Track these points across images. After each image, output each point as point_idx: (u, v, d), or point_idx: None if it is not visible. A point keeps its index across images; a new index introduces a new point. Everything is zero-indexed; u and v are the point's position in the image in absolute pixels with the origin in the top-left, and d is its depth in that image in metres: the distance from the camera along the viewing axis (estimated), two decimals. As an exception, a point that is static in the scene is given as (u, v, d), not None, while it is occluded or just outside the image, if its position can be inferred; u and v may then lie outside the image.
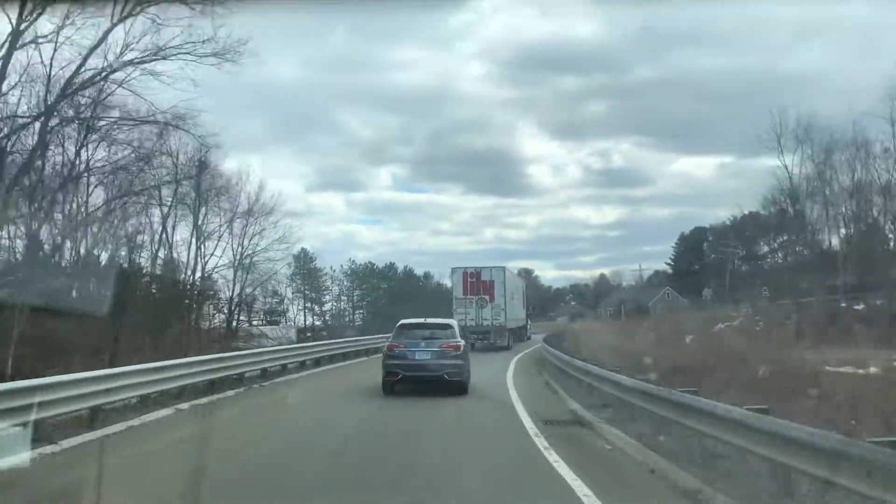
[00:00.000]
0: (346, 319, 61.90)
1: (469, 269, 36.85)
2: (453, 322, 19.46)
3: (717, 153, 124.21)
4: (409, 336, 16.75)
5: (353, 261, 65.70)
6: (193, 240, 32.63)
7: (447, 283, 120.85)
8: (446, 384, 15.95)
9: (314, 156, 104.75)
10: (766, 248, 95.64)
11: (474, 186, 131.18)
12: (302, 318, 60.46)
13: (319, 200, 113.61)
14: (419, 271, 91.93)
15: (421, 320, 18.01)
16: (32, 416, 8.71)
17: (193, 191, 31.40)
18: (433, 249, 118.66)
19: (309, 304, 61.42)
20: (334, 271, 62.72)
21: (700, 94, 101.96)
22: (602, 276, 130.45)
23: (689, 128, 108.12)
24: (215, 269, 35.66)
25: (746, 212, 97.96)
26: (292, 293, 59.08)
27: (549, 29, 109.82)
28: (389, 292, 68.74)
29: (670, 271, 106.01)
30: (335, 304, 63.36)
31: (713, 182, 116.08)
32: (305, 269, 58.26)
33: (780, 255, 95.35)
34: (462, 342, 17.10)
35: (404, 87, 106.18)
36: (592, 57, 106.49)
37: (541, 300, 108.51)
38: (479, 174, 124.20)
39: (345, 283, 63.79)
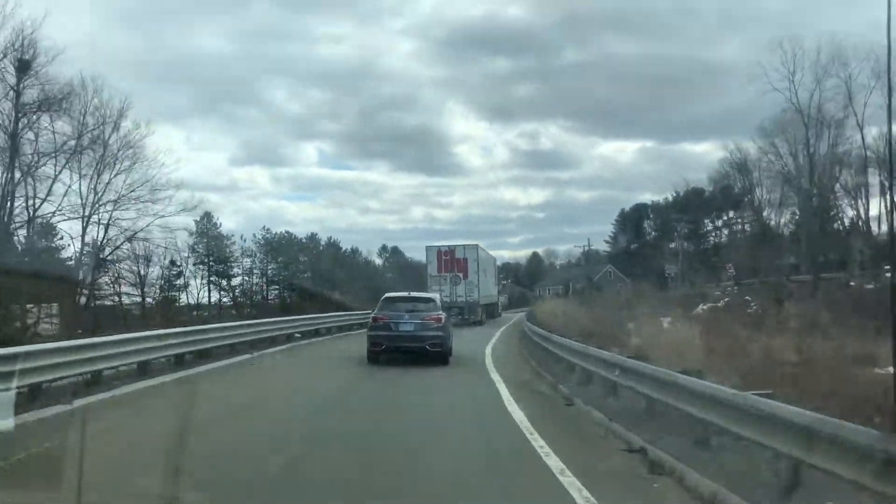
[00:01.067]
0: (259, 297, 53.18)
1: (443, 246, 37.01)
2: (436, 296, 19.98)
3: (639, 138, 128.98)
4: (393, 308, 17.07)
5: (268, 229, 56.76)
6: (11, 173, 23.41)
7: (377, 260, 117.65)
8: (428, 354, 16.45)
9: (238, 129, 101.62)
10: (710, 226, 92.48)
11: (403, 165, 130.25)
12: (206, 293, 51.51)
13: (244, 175, 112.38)
14: (346, 247, 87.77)
15: (405, 294, 19.07)
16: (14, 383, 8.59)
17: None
18: (362, 227, 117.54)
19: (215, 278, 52.47)
20: (245, 241, 53.83)
21: (624, 79, 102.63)
22: (535, 255, 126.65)
23: (613, 112, 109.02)
24: (55, 215, 26.56)
25: (690, 188, 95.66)
26: (193, 264, 50.10)
27: (480, 9, 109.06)
28: (311, 267, 60.20)
29: (609, 249, 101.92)
30: (247, 278, 54.44)
31: (634, 166, 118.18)
32: (207, 236, 49.25)
33: (727, 231, 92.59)
34: (443, 315, 17.39)
35: (332, 61, 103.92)
36: (522, 39, 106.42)
37: None
38: (407, 152, 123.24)
39: (258, 254, 54.87)
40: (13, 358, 9.15)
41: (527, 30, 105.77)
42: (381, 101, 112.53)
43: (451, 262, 36.05)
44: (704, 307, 32.05)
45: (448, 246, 37.17)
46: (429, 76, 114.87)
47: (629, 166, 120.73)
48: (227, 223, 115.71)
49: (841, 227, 63.41)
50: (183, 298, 50.94)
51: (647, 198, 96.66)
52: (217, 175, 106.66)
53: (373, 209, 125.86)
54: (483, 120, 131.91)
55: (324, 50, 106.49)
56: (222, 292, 53.19)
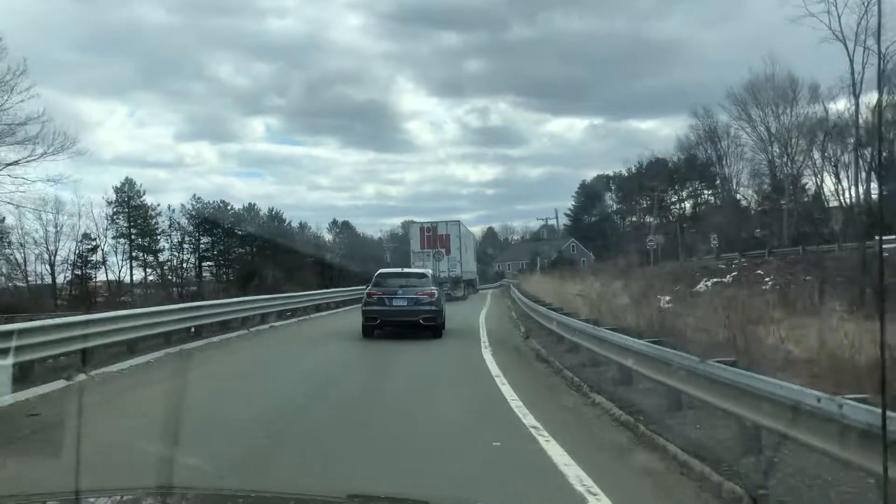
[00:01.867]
0: (187, 274, 46.56)
1: (425, 223, 37.06)
2: (428, 272, 19.99)
3: (588, 115, 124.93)
4: (387, 284, 17.21)
5: (199, 198, 49.90)
6: None
7: (326, 236, 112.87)
8: (422, 328, 16.64)
9: (183, 104, 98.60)
10: (675, 197, 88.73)
11: (353, 140, 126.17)
12: (128, 270, 44.73)
13: (191, 151, 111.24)
14: (293, 222, 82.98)
15: (398, 270, 20.28)
16: (10, 360, 8.77)
17: None
18: (312, 204, 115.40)
19: (138, 254, 45.66)
20: (173, 211, 47.01)
21: (571, 55, 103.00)
22: (490, 231, 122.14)
23: (563, 88, 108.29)
24: None
25: (653, 158, 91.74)
26: (113, 237, 43.25)
27: None
28: (249, 241, 53.66)
29: (568, 223, 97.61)
30: (176, 253, 47.69)
31: (583, 143, 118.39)
32: (129, 206, 42.43)
33: (691, 203, 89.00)
34: (436, 290, 17.64)
35: (278, 34, 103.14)
36: (472, 14, 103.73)
37: None
38: (357, 128, 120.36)
39: (188, 227, 48.07)
40: (9, 335, 9.17)
41: (476, 5, 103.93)
42: (330, 75, 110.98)
43: (434, 238, 35.82)
44: (708, 283, 27.09)
45: (430, 223, 37.22)
46: (377, 51, 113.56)
47: (579, 143, 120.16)
48: (174, 200, 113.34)
49: (821, 198, 59.78)
50: (102, 276, 44.29)
51: (595, 174, 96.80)
52: (162, 151, 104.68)
53: (323, 186, 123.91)
54: (433, 95, 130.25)
55: (270, 23, 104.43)
56: (148, 269, 46.51)
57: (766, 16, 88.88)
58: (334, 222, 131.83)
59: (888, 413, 2.92)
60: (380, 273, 18.30)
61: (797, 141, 64.41)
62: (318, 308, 27.60)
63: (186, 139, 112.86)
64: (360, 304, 17.73)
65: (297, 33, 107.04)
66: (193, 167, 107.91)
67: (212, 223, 48.92)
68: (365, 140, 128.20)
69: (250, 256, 51.69)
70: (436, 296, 17.26)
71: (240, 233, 52.89)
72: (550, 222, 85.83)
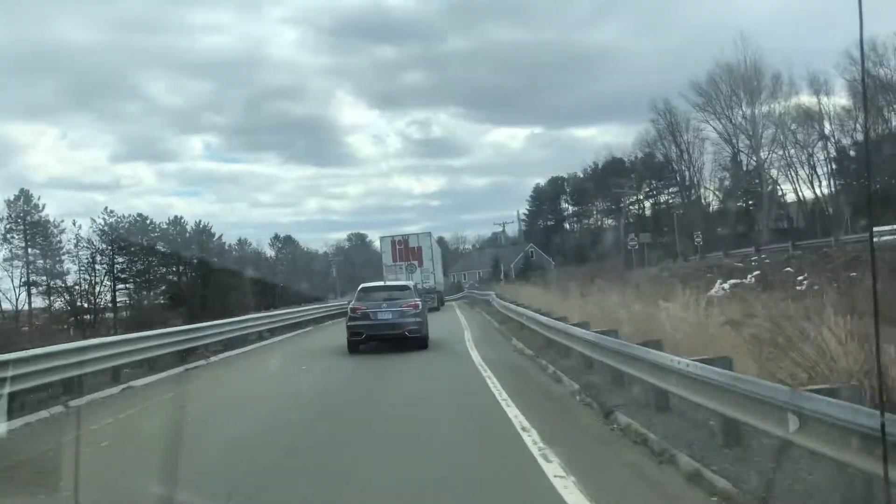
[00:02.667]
0: (99, 299, 39.57)
1: (397, 236, 36.81)
2: (411, 283, 19.76)
3: (529, 124, 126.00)
4: (371, 298, 17.09)
5: (112, 211, 42.88)
6: None
7: (268, 252, 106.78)
8: (408, 340, 16.45)
9: (117, 124, 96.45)
10: (640, 195, 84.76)
11: (293, 156, 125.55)
12: (26, 296, 37.57)
13: (128, 171, 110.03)
14: (233, 238, 77.35)
15: (381, 283, 20.06)
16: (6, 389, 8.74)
17: None
18: (255, 221, 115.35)
19: (40, 277, 38.54)
20: (79, 227, 39.97)
21: (509, 65, 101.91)
22: (441, 241, 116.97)
23: (502, 99, 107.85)
24: None
25: (610, 158, 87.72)
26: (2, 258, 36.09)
27: None
28: (175, 259, 46.77)
29: (523, 228, 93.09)
30: (87, 276, 40.59)
31: (525, 152, 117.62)
32: (24, 221, 35.40)
33: (650, 202, 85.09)
34: (420, 301, 17.54)
35: (213, 51, 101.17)
36: (408, 26, 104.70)
37: (379, 266, 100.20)
38: (298, 143, 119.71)
39: (99, 245, 41.06)
40: (4, 364, 9.19)
41: (411, 17, 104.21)
42: (268, 91, 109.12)
43: (406, 251, 35.77)
44: (725, 285, 22.09)
45: (402, 235, 37.16)
46: (315, 65, 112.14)
47: (521, 152, 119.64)
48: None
49: (798, 192, 56.29)
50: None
51: (538, 182, 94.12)
52: (98, 173, 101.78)
53: (265, 202, 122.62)
54: (374, 108, 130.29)
55: (204, 40, 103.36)
56: (52, 296, 39.40)
57: (698, 23, 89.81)
58: (276, 237, 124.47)
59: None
60: (362, 287, 18.04)
61: (762, 132, 61.25)
62: (260, 336, 22.05)
63: (122, 160, 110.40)
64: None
65: (233, 49, 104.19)
66: (131, 188, 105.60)
67: (127, 240, 41.97)
68: (306, 155, 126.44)
69: (176, 277, 44.94)
70: (420, 307, 17.14)
71: (163, 250, 46.01)
72: (509, 226, 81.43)
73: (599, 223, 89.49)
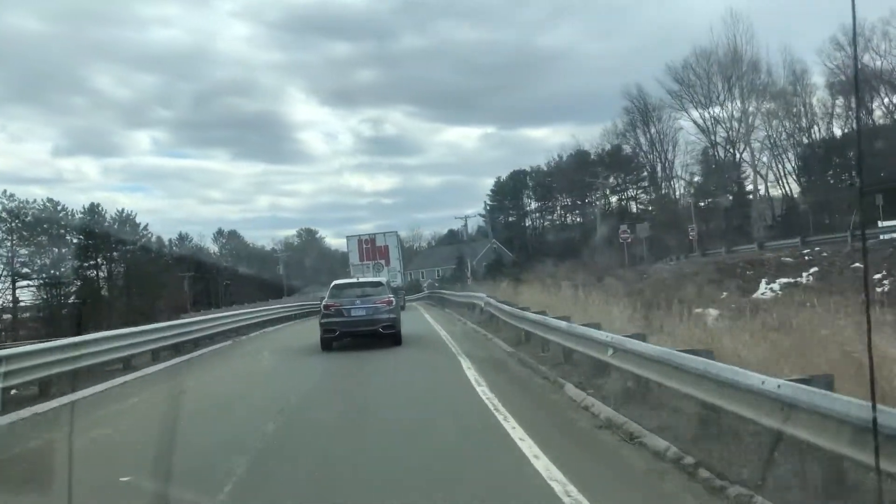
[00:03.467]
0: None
1: (363, 235, 38.20)
2: (384, 280, 19.95)
3: (481, 124, 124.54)
4: (344, 295, 16.94)
5: (12, 195, 35.89)
6: None
7: (212, 247, 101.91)
8: (381, 336, 16.25)
9: (61, 117, 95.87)
10: (597, 192, 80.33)
11: (244, 152, 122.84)
12: None
13: (70, 166, 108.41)
14: (174, 234, 73.56)
15: (354, 280, 19.97)
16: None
17: None
18: (204, 218, 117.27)
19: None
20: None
21: (463, 65, 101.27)
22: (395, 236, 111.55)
23: (455, 98, 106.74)
24: None
25: (576, 150, 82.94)
26: None
27: None
28: (92, 253, 39.97)
29: (483, 224, 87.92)
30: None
31: (478, 151, 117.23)
32: None
33: (616, 197, 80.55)
34: (393, 298, 17.37)
35: (161, 44, 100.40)
36: (361, 23, 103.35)
37: (330, 264, 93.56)
38: (248, 139, 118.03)
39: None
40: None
41: (365, 14, 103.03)
42: (218, 86, 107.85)
43: (373, 249, 35.76)
44: (774, 286, 17.22)
45: (368, 234, 37.26)
46: (266, 60, 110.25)
47: (474, 152, 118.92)
48: None
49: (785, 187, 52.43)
50: None
51: (491, 183, 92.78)
52: (39, 167, 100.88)
53: (214, 199, 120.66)
54: (326, 105, 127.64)
55: (152, 33, 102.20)
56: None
57: (650, 26, 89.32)
58: (220, 232, 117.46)
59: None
60: (335, 284, 17.96)
61: (741, 123, 57.35)
62: (196, 344, 17.59)
63: (66, 154, 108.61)
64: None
65: (182, 43, 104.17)
66: (74, 183, 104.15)
67: (31, 226, 35.13)
68: (257, 151, 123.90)
69: (94, 273, 38.24)
70: (393, 303, 17.01)
71: (76, 242, 39.18)
72: (473, 220, 76.30)
73: (564, 218, 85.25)
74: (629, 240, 33.08)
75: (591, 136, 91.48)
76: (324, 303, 16.96)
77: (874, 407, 2.90)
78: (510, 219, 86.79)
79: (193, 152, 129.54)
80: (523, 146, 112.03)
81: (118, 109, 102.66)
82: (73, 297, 36.20)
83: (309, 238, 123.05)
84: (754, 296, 17.34)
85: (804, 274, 18.20)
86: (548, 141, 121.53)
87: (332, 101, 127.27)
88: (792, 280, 17.51)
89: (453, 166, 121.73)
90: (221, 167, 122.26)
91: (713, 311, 17.16)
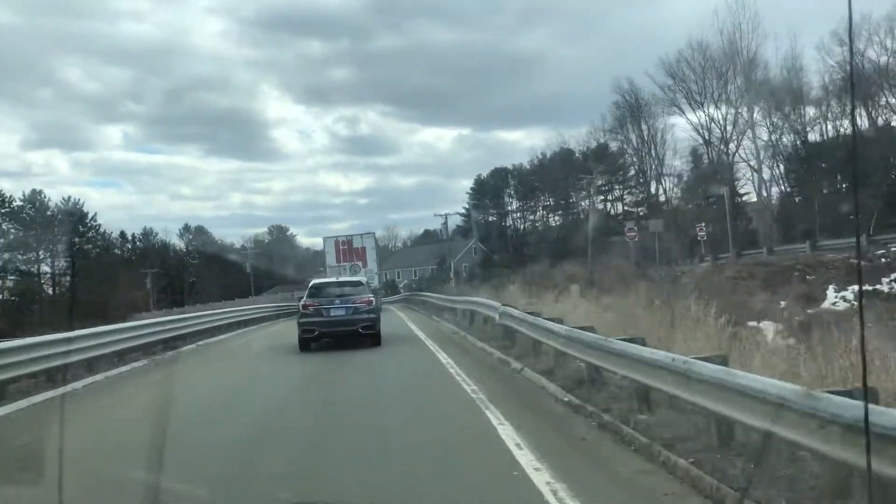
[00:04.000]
0: None
1: (340, 237, 37.27)
2: (363, 279, 20.27)
3: (456, 125, 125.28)
4: (324, 294, 16.74)
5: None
6: None
7: (179, 243, 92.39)
8: (361, 337, 15.94)
9: (30, 109, 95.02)
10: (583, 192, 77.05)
11: (216, 149, 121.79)
12: None
13: (40, 159, 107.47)
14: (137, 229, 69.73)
15: (334, 279, 19.84)
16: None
17: None
18: (175, 215, 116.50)
19: None
20: None
21: (439, 66, 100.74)
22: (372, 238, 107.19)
23: (431, 99, 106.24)
24: None
25: (560, 147, 79.51)
26: None
27: None
28: (34, 244, 35.45)
29: (462, 223, 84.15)
30: None
31: (453, 153, 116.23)
32: None
33: (602, 198, 77.23)
34: (373, 297, 17.18)
35: (133, 38, 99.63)
36: (336, 22, 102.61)
37: (301, 262, 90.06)
38: (221, 136, 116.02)
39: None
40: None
41: (339, 12, 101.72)
42: (190, 81, 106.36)
43: (350, 251, 35.46)
44: (847, 295, 13.83)
45: (346, 236, 37.00)
46: (240, 57, 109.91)
47: (449, 153, 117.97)
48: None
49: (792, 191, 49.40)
50: None
51: (466, 185, 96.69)
52: (6, 160, 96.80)
53: (186, 195, 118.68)
54: (300, 103, 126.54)
55: (125, 27, 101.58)
56: None
57: (625, 31, 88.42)
58: (186, 227, 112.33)
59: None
60: (314, 284, 17.72)
61: (736, 120, 54.41)
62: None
63: (34, 147, 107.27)
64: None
65: (155, 38, 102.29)
66: (43, 176, 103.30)
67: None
68: (229, 148, 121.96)
69: (36, 268, 33.79)
70: (374, 303, 16.75)
71: (14, 232, 34.63)
72: (452, 219, 72.49)
73: (546, 218, 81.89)
74: (635, 238, 29.67)
75: (577, 133, 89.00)
76: (302, 302, 16.69)
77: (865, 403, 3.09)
78: (491, 218, 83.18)
79: (165, 148, 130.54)
80: (498, 148, 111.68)
81: (89, 103, 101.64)
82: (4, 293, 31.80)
83: (280, 235, 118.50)
84: (823, 306, 14.00)
85: (884, 280, 14.92)
86: (522, 143, 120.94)
87: (306, 100, 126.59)
88: (870, 287, 14.19)
89: (428, 167, 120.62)
90: (193, 163, 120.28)
91: (769, 326, 13.76)
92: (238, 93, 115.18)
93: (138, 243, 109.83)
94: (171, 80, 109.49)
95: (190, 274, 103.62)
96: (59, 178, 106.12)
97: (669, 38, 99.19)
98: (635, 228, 30.57)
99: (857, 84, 47.20)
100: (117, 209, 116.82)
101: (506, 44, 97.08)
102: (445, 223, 60.94)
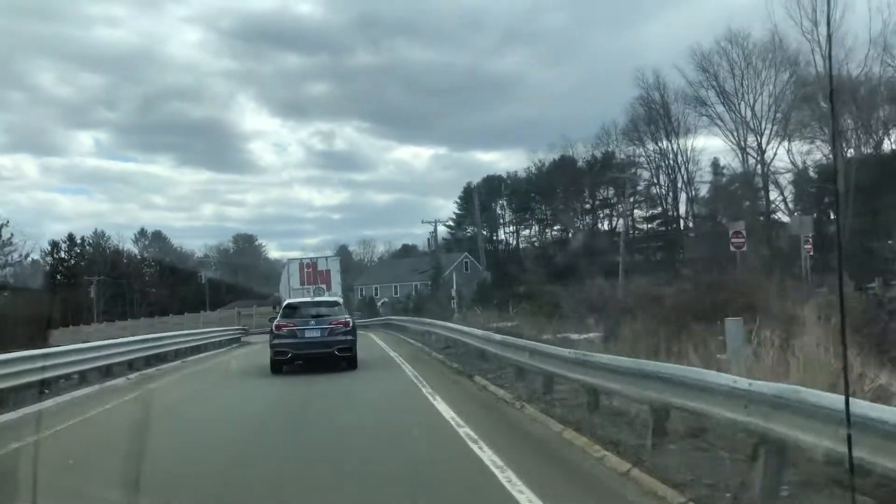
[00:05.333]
0: None
1: (305, 259, 37.04)
2: (339, 299, 20.10)
3: (433, 144, 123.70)
4: (298, 315, 16.13)
5: None
6: None
7: (132, 248, 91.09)
8: (337, 360, 15.45)
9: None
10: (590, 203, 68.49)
11: (189, 159, 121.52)
12: None
13: (7, 163, 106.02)
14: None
15: (309, 299, 19.81)
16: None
17: None
18: (147, 224, 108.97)
19: None
20: None
21: (416, 85, 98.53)
22: (343, 249, 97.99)
23: (408, 117, 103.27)
24: None
25: (557, 157, 70.70)
26: None
27: (270, 3, 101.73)
28: None
29: (448, 236, 75.04)
30: None
31: (429, 171, 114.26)
32: None
33: (609, 212, 68.76)
34: (350, 318, 16.62)
35: (108, 44, 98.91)
36: (314, 37, 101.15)
37: (264, 275, 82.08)
38: (194, 146, 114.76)
39: None
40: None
41: (319, 27, 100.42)
42: (165, 90, 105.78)
43: (314, 274, 34.48)
44: None
45: (310, 258, 36.67)
46: (217, 68, 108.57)
47: (425, 171, 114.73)
48: None
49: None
50: None
51: (441, 203, 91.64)
52: None
53: (158, 205, 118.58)
54: (276, 116, 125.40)
55: (98, 33, 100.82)
56: None
57: (601, 55, 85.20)
58: (142, 232, 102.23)
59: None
60: (287, 304, 17.39)
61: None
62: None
63: (3, 151, 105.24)
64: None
65: (130, 45, 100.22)
66: (11, 181, 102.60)
67: None
68: (203, 159, 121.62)
69: None
70: (351, 325, 16.10)
71: None
72: (430, 232, 63.57)
73: (543, 233, 73.07)
74: (744, 248, 21.15)
75: (584, 136, 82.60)
76: (275, 323, 16.11)
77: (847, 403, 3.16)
78: (482, 231, 74.50)
79: (138, 156, 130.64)
80: (474, 168, 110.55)
81: (60, 108, 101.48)
82: None
83: (246, 245, 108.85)
84: None
85: None
86: (499, 164, 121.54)
87: (282, 113, 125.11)
88: None
89: (404, 185, 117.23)
90: (166, 173, 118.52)
91: None
92: (214, 104, 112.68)
93: (88, 247, 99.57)
94: (146, 87, 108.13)
95: (144, 284, 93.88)
96: (28, 182, 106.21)
97: (648, 61, 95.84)
98: (743, 232, 21.70)
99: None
100: (86, 217, 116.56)
101: (483, 65, 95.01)
102: (435, 231, 52.07)
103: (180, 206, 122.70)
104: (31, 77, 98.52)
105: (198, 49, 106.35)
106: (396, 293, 58.10)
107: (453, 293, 32.78)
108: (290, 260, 37.13)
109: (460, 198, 76.35)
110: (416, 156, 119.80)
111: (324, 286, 33.14)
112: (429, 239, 55.12)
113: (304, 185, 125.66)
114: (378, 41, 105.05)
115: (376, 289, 64.96)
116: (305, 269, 34.56)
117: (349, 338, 15.54)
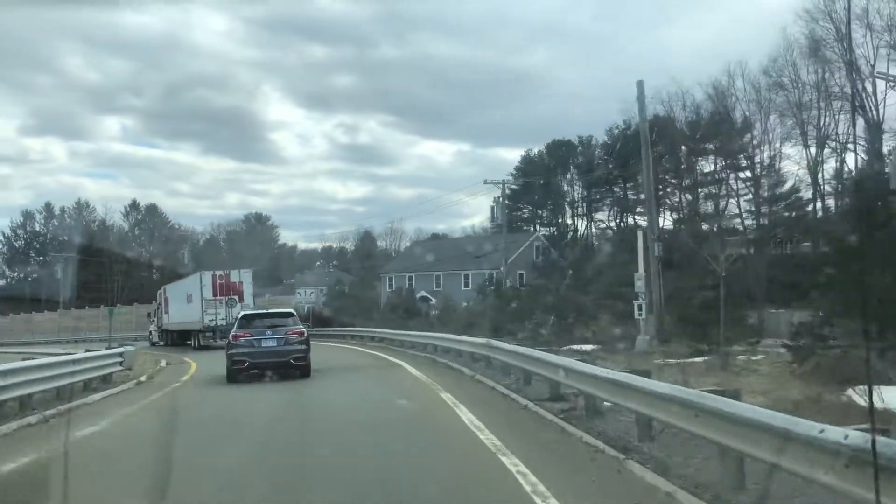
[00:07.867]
0: None
1: (218, 272, 37.11)
2: (293, 311, 20.56)
3: (456, 140, 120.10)
4: (254, 325, 16.88)
5: None
6: None
7: (122, 223, 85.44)
8: (293, 368, 16.20)
9: (27, 95, 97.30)
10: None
11: (214, 147, 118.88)
12: None
13: (37, 146, 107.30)
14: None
15: (264, 310, 20.93)
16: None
17: None
18: (171, 211, 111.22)
19: None
20: None
21: (441, 79, 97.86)
22: (367, 235, 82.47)
23: (432, 112, 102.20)
24: None
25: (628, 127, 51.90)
26: None
27: None
28: None
29: (496, 217, 58.31)
30: None
31: (452, 167, 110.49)
32: None
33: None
34: (304, 329, 17.46)
35: (135, 30, 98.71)
36: (340, 28, 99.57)
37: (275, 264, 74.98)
38: (220, 134, 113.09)
39: None
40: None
41: (344, 19, 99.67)
42: (191, 77, 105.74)
43: (227, 286, 34.72)
44: None
45: (223, 271, 36.61)
46: (243, 57, 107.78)
47: (448, 167, 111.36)
48: (17, 198, 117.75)
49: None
50: None
51: (464, 198, 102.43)
52: (3, 144, 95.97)
53: (182, 192, 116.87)
54: (301, 107, 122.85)
55: (125, 17, 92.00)
56: None
57: (627, 56, 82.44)
58: (133, 205, 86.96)
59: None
60: (244, 315, 18.05)
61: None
62: None
63: (32, 133, 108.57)
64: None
65: (157, 31, 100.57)
66: (40, 164, 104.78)
67: None
68: (228, 147, 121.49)
69: None
70: (305, 335, 16.87)
71: None
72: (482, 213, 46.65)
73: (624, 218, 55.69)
74: None
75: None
76: (232, 333, 16.89)
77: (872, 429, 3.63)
78: (544, 211, 57.60)
79: (163, 143, 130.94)
80: (498, 166, 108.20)
81: (88, 92, 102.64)
82: None
83: (258, 225, 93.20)
84: None
85: None
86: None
87: (307, 104, 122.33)
88: None
89: (427, 180, 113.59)
90: (191, 160, 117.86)
91: None
92: (239, 92, 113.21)
93: (68, 219, 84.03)
94: (172, 74, 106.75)
95: (131, 265, 78.49)
96: (56, 166, 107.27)
97: (675, 65, 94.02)
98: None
99: None
100: (112, 201, 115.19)
101: (508, 62, 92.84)
102: (503, 193, 35.43)
103: (206, 193, 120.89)
104: (60, 61, 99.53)
105: (224, 37, 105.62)
106: (439, 285, 41.59)
107: (641, 297, 16.07)
108: (202, 272, 36.95)
109: (516, 168, 59.55)
110: (440, 151, 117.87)
111: (236, 297, 33.68)
112: (493, 206, 38.59)
113: (327, 178, 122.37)
114: (402, 34, 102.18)
115: (411, 279, 48.10)
116: (218, 281, 34.78)
117: (304, 347, 16.32)
